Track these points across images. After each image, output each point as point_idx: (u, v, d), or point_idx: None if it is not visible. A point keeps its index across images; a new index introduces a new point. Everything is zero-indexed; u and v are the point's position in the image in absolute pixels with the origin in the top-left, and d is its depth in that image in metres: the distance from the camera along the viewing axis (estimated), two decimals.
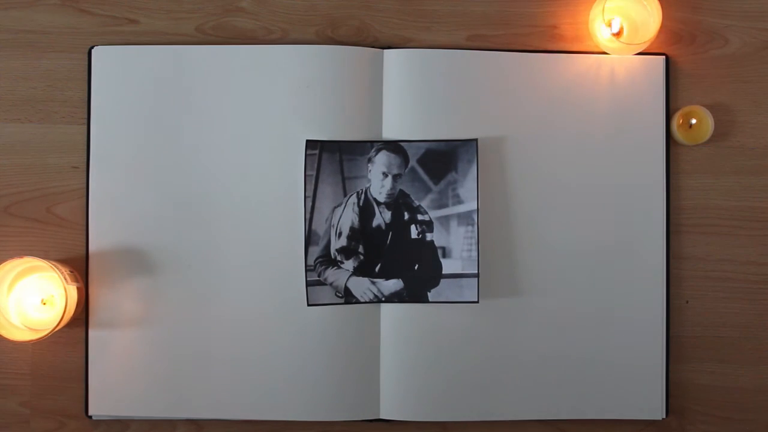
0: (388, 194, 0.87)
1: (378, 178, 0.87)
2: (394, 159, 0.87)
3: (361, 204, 0.87)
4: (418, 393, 0.87)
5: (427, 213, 0.87)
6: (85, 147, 0.88)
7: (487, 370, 0.88)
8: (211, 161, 0.88)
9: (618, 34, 0.89)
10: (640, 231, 0.89)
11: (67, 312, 0.81)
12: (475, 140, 0.87)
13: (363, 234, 0.87)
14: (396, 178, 0.87)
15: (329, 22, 0.91)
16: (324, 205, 0.87)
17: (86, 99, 0.88)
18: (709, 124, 0.89)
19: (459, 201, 0.87)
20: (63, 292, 0.81)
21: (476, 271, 0.86)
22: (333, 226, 0.87)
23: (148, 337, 0.87)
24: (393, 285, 0.86)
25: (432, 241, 0.86)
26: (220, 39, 0.90)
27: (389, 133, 0.88)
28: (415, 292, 0.86)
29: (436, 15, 0.91)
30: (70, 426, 0.89)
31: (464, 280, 0.86)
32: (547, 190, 0.88)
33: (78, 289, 0.85)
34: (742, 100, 0.91)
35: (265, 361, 0.87)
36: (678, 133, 0.89)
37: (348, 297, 0.86)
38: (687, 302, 0.90)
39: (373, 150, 0.87)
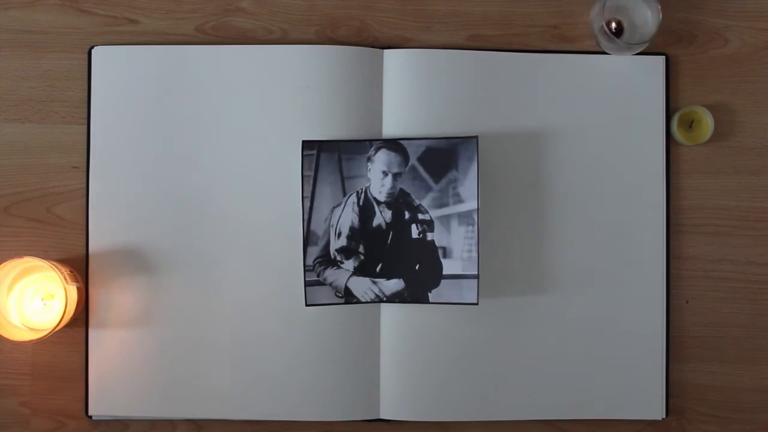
0: (388, 193, 0.87)
1: (378, 177, 0.87)
2: (393, 157, 0.87)
3: (361, 203, 0.87)
4: (418, 393, 0.87)
5: (427, 212, 0.87)
6: (85, 147, 0.88)
7: (487, 370, 0.88)
8: (211, 161, 0.88)
9: (618, 34, 0.89)
10: (640, 231, 0.89)
11: (67, 312, 0.81)
12: (476, 137, 0.87)
13: (363, 234, 0.87)
14: (396, 176, 0.87)
15: (329, 22, 0.91)
16: (323, 205, 0.87)
17: (86, 99, 0.88)
18: (709, 124, 0.89)
19: (459, 200, 0.86)
20: (63, 292, 0.81)
21: (476, 272, 0.86)
22: (332, 226, 0.87)
23: (148, 337, 0.87)
24: (394, 285, 0.86)
25: (433, 241, 0.86)
26: (220, 39, 0.90)
27: (389, 134, 0.88)
28: (416, 293, 0.86)
29: (436, 15, 0.91)
30: (70, 426, 0.89)
31: (464, 281, 0.86)
32: (546, 190, 0.88)
33: (78, 289, 0.85)
34: (742, 100, 0.91)
35: (264, 361, 0.87)
36: (678, 133, 0.89)
37: (348, 297, 0.86)
38: (687, 302, 0.90)
39: (372, 149, 0.87)
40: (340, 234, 0.87)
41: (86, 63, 0.89)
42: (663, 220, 0.89)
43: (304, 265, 0.86)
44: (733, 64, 0.91)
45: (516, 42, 0.91)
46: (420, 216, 0.87)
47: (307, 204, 0.86)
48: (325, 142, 0.87)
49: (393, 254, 0.87)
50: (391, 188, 0.87)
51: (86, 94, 0.89)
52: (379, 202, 0.87)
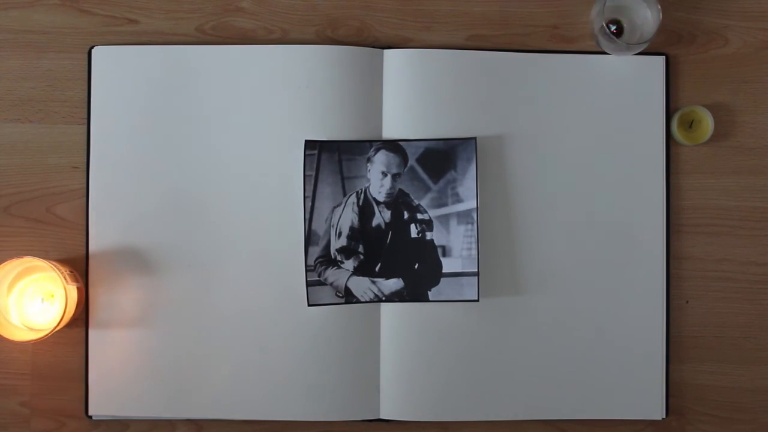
0: (388, 194, 0.87)
1: (377, 178, 0.87)
2: (393, 158, 0.87)
3: (360, 204, 0.87)
4: (418, 393, 0.87)
5: (426, 212, 0.87)
6: (85, 147, 0.88)
7: (487, 370, 0.88)
8: (211, 161, 0.88)
9: (618, 34, 0.89)
10: (640, 231, 0.88)
11: (67, 312, 0.81)
12: (474, 138, 0.87)
13: (363, 234, 0.87)
14: (395, 177, 0.87)
15: (329, 22, 0.91)
16: (323, 205, 0.87)
17: (86, 99, 0.89)
18: (709, 124, 0.89)
19: (458, 200, 0.87)
20: (63, 292, 0.81)
21: (476, 270, 0.86)
22: (333, 226, 0.87)
23: (148, 337, 0.87)
24: (393, 284, 0.86)
25: (432, 240, 0.86)
26: (220, 39, 0.90)
27: (389, 133, 0.88)
28: (415, 291, 0.86)
29: (436, 15, 0.91)
30: (70, 426, 0.89)
31: (464, 279, 0.86)
32: (546, 190, 0.88)
33: (78, 289, 0.85)
34: (742, 100, 0.91)
35: (265, 361, 0.87)
36: (678, 134, 0.89)
37: (348, 297, 0.86)
38: (687, 302, 0.90)
39: (372, 149, 0.87)
40: (340, 234, 0.87)
41: (86, 63, 0.89)
42: (663, 220, 0.89)
43: (306, 265, 0.86)
44: (733, 64, 0.91)
45: (516, 42, 0.91)
46: (419, 216, 0.87)
47: (309, 204, 0.86)
48: (326, 142, 0.87)
49: (392, 254, 0.87)
50: (390, 188, 0.87)
51: (86, 94, 0.89)
52: (378, 203, 0.87)
